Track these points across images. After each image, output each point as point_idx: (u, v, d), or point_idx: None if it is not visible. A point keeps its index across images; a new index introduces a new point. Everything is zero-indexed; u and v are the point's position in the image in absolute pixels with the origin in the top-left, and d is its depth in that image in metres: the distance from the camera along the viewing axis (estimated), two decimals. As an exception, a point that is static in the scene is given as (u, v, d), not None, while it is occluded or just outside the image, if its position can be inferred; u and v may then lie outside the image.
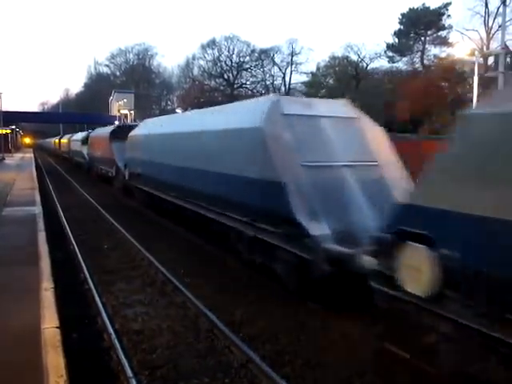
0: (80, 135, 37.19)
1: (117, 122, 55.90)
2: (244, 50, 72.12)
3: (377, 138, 8.36)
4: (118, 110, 66.53)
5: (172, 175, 12.54)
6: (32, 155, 60.27)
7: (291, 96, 65.32)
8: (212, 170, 9.67)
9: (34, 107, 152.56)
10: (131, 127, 19.74)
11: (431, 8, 53.54)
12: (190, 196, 11.25)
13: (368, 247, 5.80)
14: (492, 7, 43.75)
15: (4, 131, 54.91)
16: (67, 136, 49.23)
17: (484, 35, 45.64)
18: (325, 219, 6.69)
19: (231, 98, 61.90)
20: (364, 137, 8.22)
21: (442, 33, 54.08)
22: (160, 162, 13.55)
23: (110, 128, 26.32)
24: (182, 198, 11.86)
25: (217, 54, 73.06)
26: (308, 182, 7.02)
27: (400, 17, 55.84)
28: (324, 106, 8.61)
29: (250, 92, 71.90)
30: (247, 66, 72.94)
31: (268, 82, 72.85)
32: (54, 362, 4.65)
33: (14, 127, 76.75)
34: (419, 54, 55.87)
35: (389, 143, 8.46)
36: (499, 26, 36.80)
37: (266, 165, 7.45)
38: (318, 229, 6.55)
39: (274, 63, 71.41)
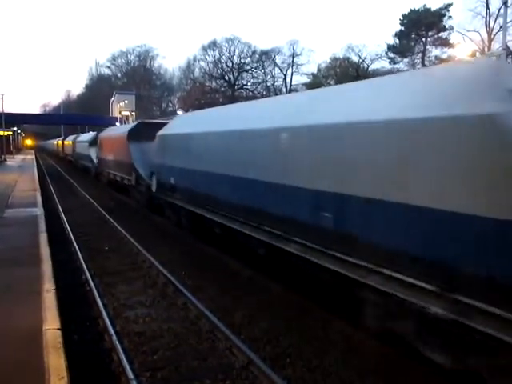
0: (87, 136, 34.41)
1: (118, 124, 55.89)
2: (245, 51, 72.30)
3: None
4: (119, 112, 66.59)
5: (239, 193, 8.80)
6: (33, 157, 60.37)
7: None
8: (333, 191, 6.07)
9: (35, 109, 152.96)
10: (157, 125, 15.86)
11: (432, 9, 53.58)
12: (272, 225, 7.59)
13: None
14: (493, 8, 43.78)
15: (5, 133, 54.97)
16: (72, 137, 45.48)
17: (485, 36, 45.67)
18: None
19: (232, 99, 61.99)
20: None
21: (443, 34, 54.14)
22: (218, 173, 9.64)
23: (127, 126, 22.50)
24: (257, 228, 8.05)
25: (218, 55, 73.23)
26: None
27: (401, 18, 55.91)
28: None
29: (250, 93, 71.98)
30: (248, 67, 73.03)
31: (269, 84, 72.96)
32: (56, 363, 4.66)
33: (15, 129, 76.87)
34: (420, 55, 55.89)
35: None
36: (500, 27, 36.75)
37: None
38: None
39: (275, 64, 71.54)
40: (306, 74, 69.58)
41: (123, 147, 18.31)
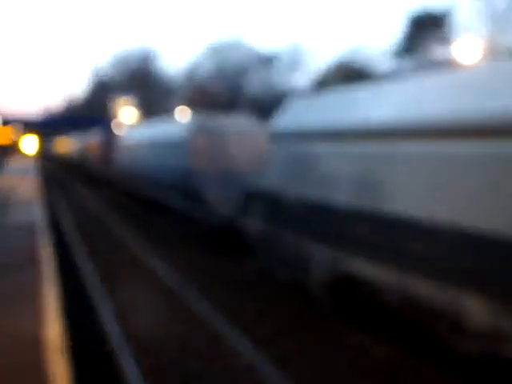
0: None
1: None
2: (247, 54, 72.39)
3: None
4: (120, 114, 66.72)
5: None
6: (35, 161, 60.43)
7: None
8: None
9: (36, 112, 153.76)
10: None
11: (435, 10, 53.79)
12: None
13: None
14: (497, 9, 43.68)
15: (7, 136, 54.94)
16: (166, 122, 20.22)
17: (489, 37, 45.60)
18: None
19: (234, 102, 62.11)
20: None
21: (447, 34, 54.21)
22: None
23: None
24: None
25: (220, 58, 73.34)
26: None
27: (404, 19, 56.06)
28: None
29: (253, 96, 72.15)
30: (250, 70, 73.14)
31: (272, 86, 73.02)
32: (59, 367, 4.57)
33: (16, 132, 76.91)
34: (424, 55, 55.97)
35: None
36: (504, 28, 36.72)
37: None
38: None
39: (278, 67, 71.60)
40: (309, 77, 69.70)
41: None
